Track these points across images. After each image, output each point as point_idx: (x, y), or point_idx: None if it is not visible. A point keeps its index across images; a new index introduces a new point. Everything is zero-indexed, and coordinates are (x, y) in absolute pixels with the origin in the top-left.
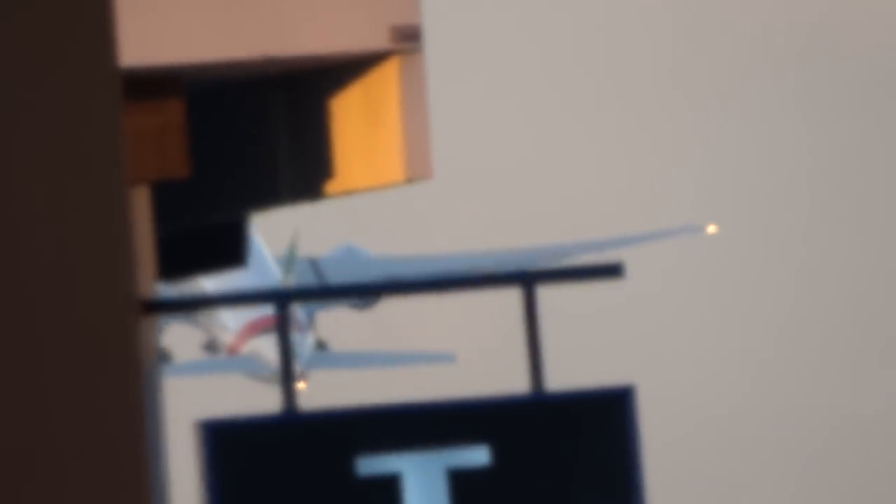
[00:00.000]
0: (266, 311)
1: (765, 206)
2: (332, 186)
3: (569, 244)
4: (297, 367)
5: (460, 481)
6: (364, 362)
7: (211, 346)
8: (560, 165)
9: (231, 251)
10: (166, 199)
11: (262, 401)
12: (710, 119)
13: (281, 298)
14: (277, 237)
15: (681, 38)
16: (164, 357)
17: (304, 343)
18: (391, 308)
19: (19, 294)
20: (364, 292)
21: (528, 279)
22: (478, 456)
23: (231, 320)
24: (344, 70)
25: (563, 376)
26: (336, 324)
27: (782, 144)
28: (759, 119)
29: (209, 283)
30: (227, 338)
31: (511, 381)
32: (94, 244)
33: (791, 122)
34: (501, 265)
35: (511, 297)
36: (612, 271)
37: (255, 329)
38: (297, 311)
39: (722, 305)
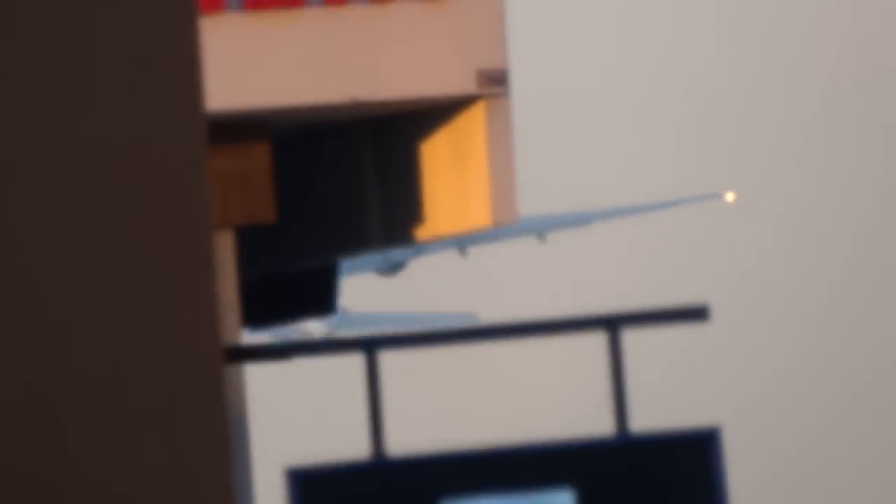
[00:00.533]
0: None
1: (866, 254)
2: (420, 231)
3: (588, 211)
4: (324, 329)
5: None
6: (384, 322)
7: None
8: (584, 129)
9: (319, 297)
10: (252, 243)
11: (348, 446)
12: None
13: (369, 346)
14: None
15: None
16: None
17: None
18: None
19: (104, 340)
20: (441, 339)
21: (612, 323)
22: (562, 499)
23: None
24: (431, 114)
25: (640, 417)
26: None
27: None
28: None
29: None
30: None
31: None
32: (177, 289)
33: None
34: (522, 231)
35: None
36: (697, 314)
37: None
38: None
39: (811, 344)
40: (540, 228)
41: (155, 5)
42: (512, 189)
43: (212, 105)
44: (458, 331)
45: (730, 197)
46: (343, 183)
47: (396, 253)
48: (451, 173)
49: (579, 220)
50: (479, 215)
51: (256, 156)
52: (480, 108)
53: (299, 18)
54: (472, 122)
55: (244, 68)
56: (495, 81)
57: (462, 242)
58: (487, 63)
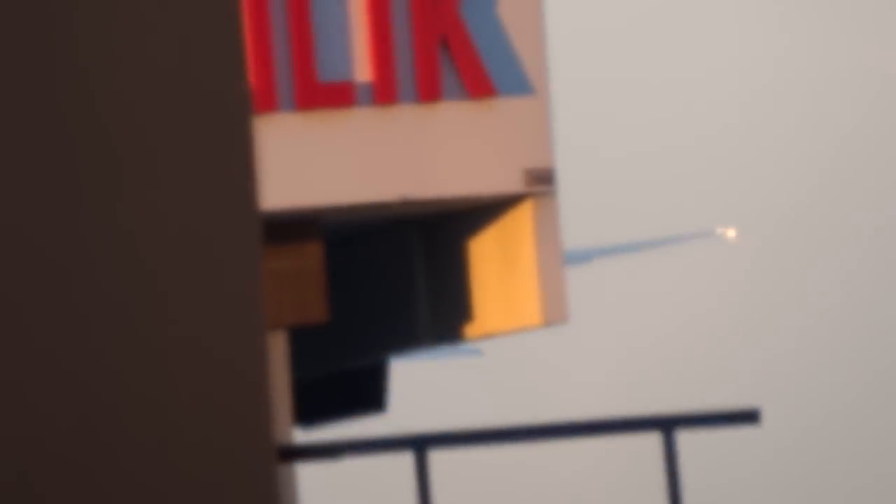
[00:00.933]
0: None
1: None
2: (470, 330)
3: (590, 248)
4: None
5: None
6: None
7: None
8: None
9: (371, 396)
10: (305, 342)
11: None
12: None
13: (419, 444)
14: None
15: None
16: None
17: None
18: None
19: (156, 440)
20: (492, 438)
21: (667, 425)
22: None
23: None
24: (479, 213)
25: None
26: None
27: None
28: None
29: None
30: None
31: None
32: (230, 389)
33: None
34: None
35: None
36: (749, 418)
37: None
38: None
39: (867, 438)
40: None
41: (212, 104)
42: (562, 287)
43: (265, 204)
44: (509, 429)
45: (730, 234)
46: (392, 280)
47: None
48: (500, 272)
49: (581, 258)
50: (529, 315)
51: (310, 256)
52: (528, 207)
53: (350, 117)
54: (521, 221)
55: (296, 167)
56: (543, 180)
57: None
58: (535, 162)
